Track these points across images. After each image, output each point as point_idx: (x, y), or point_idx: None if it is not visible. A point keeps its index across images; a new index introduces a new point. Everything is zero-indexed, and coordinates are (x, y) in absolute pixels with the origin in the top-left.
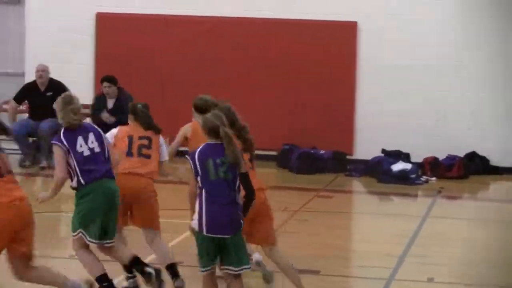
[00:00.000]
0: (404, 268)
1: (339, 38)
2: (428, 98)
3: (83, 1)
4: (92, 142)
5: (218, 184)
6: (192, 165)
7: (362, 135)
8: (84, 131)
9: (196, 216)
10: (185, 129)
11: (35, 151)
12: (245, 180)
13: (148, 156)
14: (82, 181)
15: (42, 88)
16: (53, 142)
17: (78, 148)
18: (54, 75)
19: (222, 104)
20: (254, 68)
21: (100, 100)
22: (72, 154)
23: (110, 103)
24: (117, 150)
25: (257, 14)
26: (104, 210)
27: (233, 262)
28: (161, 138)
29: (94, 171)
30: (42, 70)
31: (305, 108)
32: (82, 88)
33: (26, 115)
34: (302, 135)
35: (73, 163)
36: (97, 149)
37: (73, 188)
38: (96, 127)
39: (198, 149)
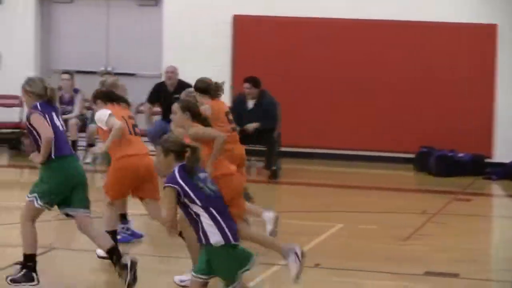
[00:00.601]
0: None
1: (478, 40)
2: None
3: (221, 4)
4: (60, 120)
5: (215, 197)
6: (180, 192)
7: (501, 138)
8: (55, 108)
9: (215, 231)
10: (205, 110)
11: None
12: None
13: (139, 133)
14: (53, 155)
15: (171, 89)
16: (32, 111)
17: (56, 121)
18: (191, 77)
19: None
20: (391, 71)
21: (239, 101)
22: (52, 125)
23: (250, 104)
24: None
25: (394, 17)
26: (71, 183)
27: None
28: None
29: (64, 147)
30: (171, 72)
31: (443, 110)
32: None
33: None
34: (440, 137)
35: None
36: (62, 127)
37: (42, 162)
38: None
39: (177, 175)
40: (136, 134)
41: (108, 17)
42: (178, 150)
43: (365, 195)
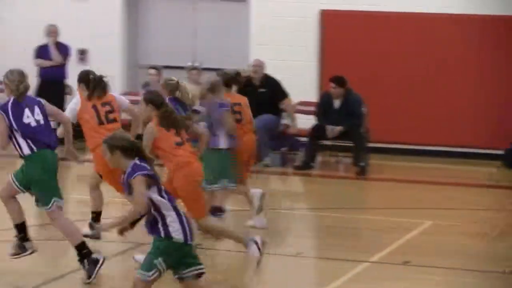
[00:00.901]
0: None
1: None
2: None
3: None
4: (38, 114)
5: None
6: (151, 184)
7: None
8: (30, 103)
9: (177, 227)
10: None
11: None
12: None
13: (115, 120)
14: (28, 150)
15: (257, 84)
16: None
17: (25, 119)
18: (278, 72)
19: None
20: (481, 66)
21: (325, 99)
22: (18, 124)
23: (337, 103)
24: (85, 122)
25: (481, 12)
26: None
27: (196, 262)
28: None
29: (39, 141)
30: (258, 66)
31: None
32: (306, 86)
33: None
34: None
35: (20, 133)
36: (42, 121)
37: (22, 156)
38: (40, 100)
39: (140, 170)
40: (109, 121)
41: (195, 12)
42: (125, 146)
43: (454, 191)
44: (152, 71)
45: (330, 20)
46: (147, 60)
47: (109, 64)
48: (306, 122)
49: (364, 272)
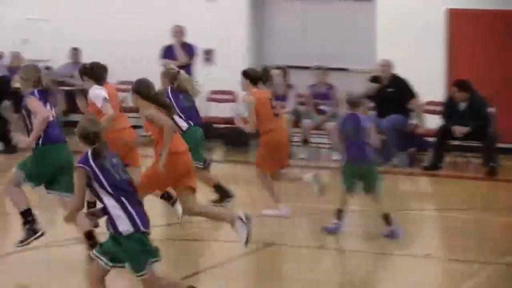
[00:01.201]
0: None
1: None
2: None
3: None
4: (52, 108)
5: (125, 184)
6: (90, 173)
7: None
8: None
9: (124, 219)
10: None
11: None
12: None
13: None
14: (44, 140)
15: (385, 83)
16: (29, 95)
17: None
18: (405, 72)
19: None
20: None
21: (450, 101)
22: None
23: (462, 105)
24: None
25: None
26: (57, 169)
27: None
28: None
29: (50, 134)
30: (385, 65)
31: None
32: (433, 86)
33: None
34: None
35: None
36: (53, 117)
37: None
38: None
39: (89, 156)
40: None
41: (320, 12)
42: (83, 135)
43: None
44: (277, 71)
45: (457, 20)
46: (272, 60)
47: (235, 64)
48: (434, 122)
49: (495, 274)
